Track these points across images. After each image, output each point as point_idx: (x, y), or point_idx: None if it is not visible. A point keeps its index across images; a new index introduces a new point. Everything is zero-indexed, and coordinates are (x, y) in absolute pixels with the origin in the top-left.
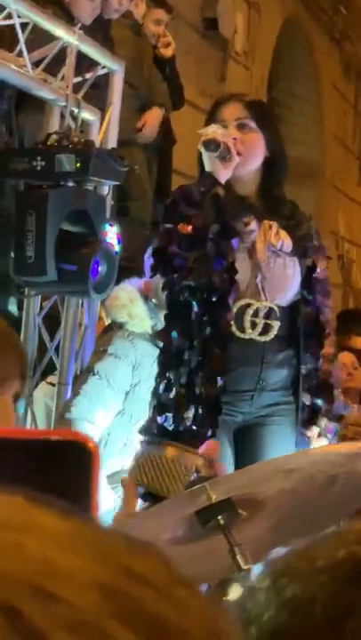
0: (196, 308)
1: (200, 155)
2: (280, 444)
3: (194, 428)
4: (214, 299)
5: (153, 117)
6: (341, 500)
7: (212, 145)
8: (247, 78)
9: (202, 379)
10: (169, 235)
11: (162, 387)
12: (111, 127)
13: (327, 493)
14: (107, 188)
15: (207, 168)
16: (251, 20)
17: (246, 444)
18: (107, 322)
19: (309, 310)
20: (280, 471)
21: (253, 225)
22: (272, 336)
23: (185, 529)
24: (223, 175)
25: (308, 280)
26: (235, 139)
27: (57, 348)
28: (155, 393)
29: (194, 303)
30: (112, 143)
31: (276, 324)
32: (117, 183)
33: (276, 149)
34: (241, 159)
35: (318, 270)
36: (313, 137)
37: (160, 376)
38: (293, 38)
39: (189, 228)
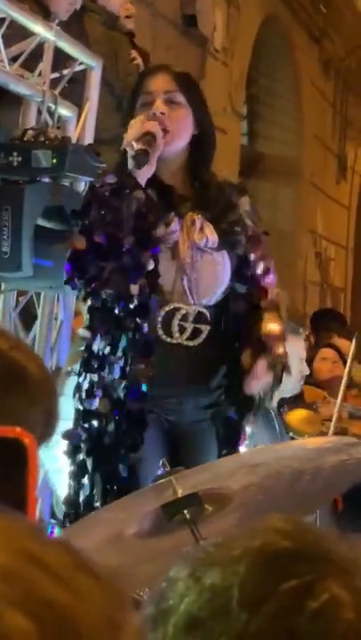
0: (116, 312)
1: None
2: (208, 450)
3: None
4: (132, 306)
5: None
6: (308, 494)
7: (142, 158)
8: (226, 75)
9: (126, 390)
10: (86, 239)
11: (84, 390)
12: (88, 123)
13: (293, 488)
14: (83, 185)
15: (129, 166)
16: (230, 17)
17: (181, 452)
18: (84, 318)
19: (239, 305)
20: (246, 466)
21: (175, 225)
22: (201, 340)
23: (151, 523)
24: (146, 174)
25: (240, 272)
26: (162, 113)
27: (32, 343)
28: (78, 395)
29: (115, 307)
30: (89, 139)
31: (205, 329)
32: (94, 179)
33: (204, 125)
34: (168, 137)
35: (252, 259)
36: (292, 135)
37: (82, 375)
38: (273, 36)
39: (104, 237)
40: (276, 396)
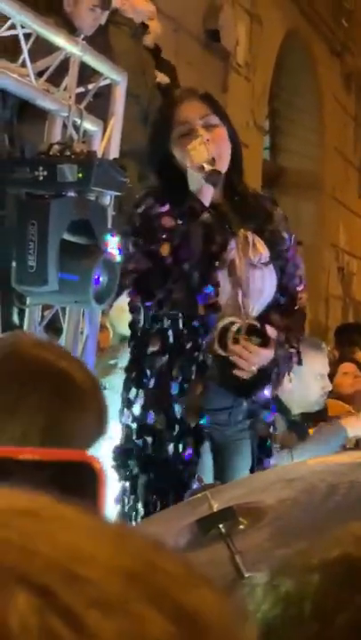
0: (171, 333)
1: (161, 163)
2: (246, 458)
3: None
4: (195, 324)
5: None
6: (343, 509)
7: (217, 177)
8: (249, 89)
9: (184, 405)
10: (152, 261)
11: (137, 408)
12: (113, 138)
13: (328, 503)
14: (108, 199)
15: (192, 188)
16: (252, 31)
17: (227, 462)
18: (110, 332)
19: (277, 317)
20: (281, 480)
21: (232, 243)
22: None
23: (186, 537)
24: (208, 197)
25: (280, 283)
26: (207, 140)
27: None
28: (130, 412)
29: (170, 331)
30: (114, 153)
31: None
32: (119, 194)
33: (235, 139)
34: (220, 162)
35: (290, 270)
36: (313, 149)
37: (132, 393)
38: (295, 50)
39: (171, 258)
40: (300, 411)
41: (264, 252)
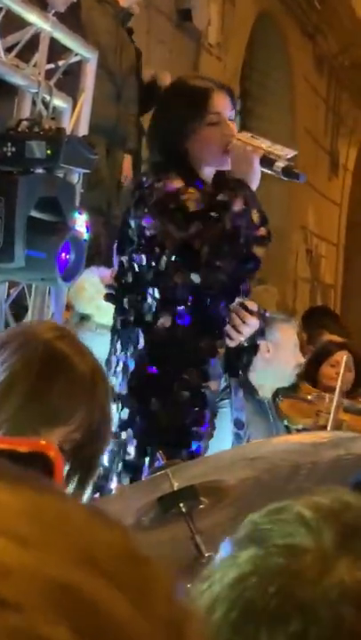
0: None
1: (180, 148)
2: (226, 427)
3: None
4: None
5: (128, 166)
6: (304, 489)
7: (295, 175)
8: (220, 69)
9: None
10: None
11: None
12: (83, 115)
13: (290, 483)
14: (76, 176)
15: (239, 175)
16: (225, 11)
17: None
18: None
19: None
20: (244, 459)
21: None
22: None
23: (147, 515)
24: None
25: None
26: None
27: None
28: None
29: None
30: (83, 131)
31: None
32: (88, 171)
33: None
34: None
35: None
36: (285, 130)
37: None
38: (267, 31)
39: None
40: (272, 387)
41: None
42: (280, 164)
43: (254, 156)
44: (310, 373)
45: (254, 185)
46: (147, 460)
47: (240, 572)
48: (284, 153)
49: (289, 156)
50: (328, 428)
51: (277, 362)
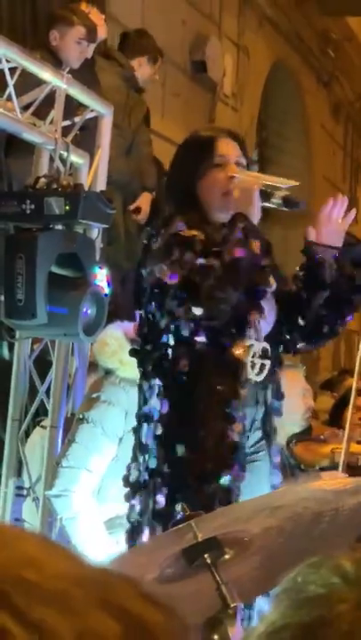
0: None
1: (186, 191)
2: (264, 482)
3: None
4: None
5: (145, 203)
6: (328, 536)
7: (295, 203)
8: (236, 120)
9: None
10: (199, 268)
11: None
12: (100, 170)
13: (313, 531)
14: (96, 231)
15: (243, 209)
16: (239, 62)
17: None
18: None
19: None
20: (266, 509)
21: None
22: (264, 375)
23: (172, 567)
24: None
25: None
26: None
27: (47, 391)
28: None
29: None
30: (101, 186)
31: (267, 363)
32: (106, 226)
33: None
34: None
35: None
36: (302, 178)
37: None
38: (282, 80)
39: (218, 262)
40: (285, 432)
41: (273, 282)
42: (280, 194)
43: (252, 189)
44: (334, 418)
45: (255, 218)
46: (178, 507)
47: (273, 626)
48: (282, 185)
49: (287, 187)
50: (341, 463)
51: (287, 409)
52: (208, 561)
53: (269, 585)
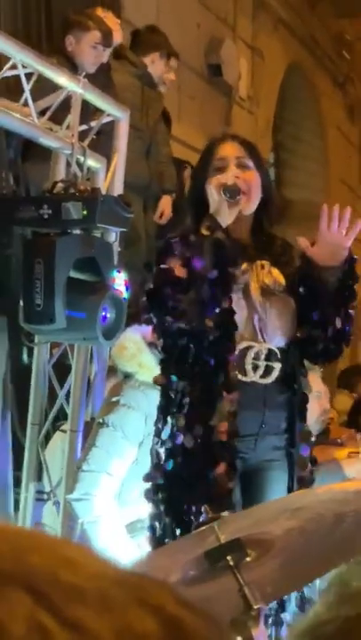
0: (193, 351)
1: (197, 197)
2: (278, 490)
3: (211, 475)
4: (211, 338)
5: (167, 206)
6: (350, 537)
7: (235, 193)
8: (252, 123)
9: (213, 422)
10: (163, 276)
11: (166, 432)
12: (117, 174)
13: (335, 532)
14: (114, 235)
15: (212, 210)
16: (254, 65)
17: (250, 491)
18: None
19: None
20: (288, 510)
21: (245, 265)
22: (273, 378)
23: (195, 569)
24: (228, 219)
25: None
26: (237, 177)
27: (67, 396)
28: (158, 439)
29: (191, 346)
30: (118, 190)
31: (277, 366)
32: (124, 230)
33: (268, 190)
34: (245, 198)
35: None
36: (318, 180)
37: (161, 421)
38: (297, 83)
39: (184, 271)
40: None
41: (280, 279)
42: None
43: (213, 187)
44: (353, 420)
45: (221, 218)
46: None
47: (318, 619)
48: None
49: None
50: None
51: None
52: (231, 563)
53: (291, 586)
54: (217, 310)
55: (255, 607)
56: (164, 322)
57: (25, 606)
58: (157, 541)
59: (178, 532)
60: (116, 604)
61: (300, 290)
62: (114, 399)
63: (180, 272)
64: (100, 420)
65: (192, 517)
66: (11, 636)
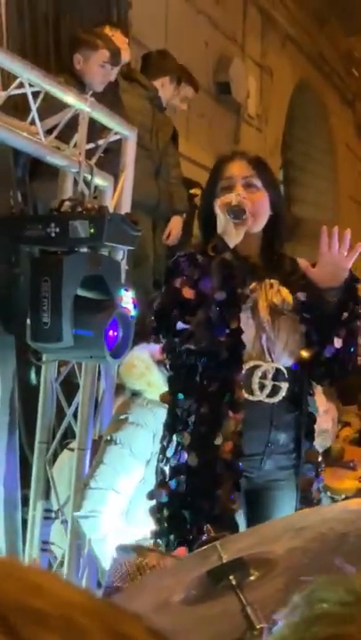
0: (200, 369)
1: (206, 217)
2: (285, 509)
3: (216, 491)
4: (221, 359)
5: (176, 226)
6: (353, 558)
7: (240, 213)
8: (261, 141)
9: (218, 442)
10: (171, 297)
11: (171, 450)
12: (125, 192)
13: (338, 551)
14: (121, 253)
15: (219, 231)
16: (263, 83)
17: (256, 510)
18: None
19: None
20: (291, 530)
21: (254, 284)
22: (280, 398)
23: (197, 589)
24: (235, 239)
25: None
26: (244, 197)
27: (74, 414)
28: (163, 456)
29: (198, 365)
30: (125, 208)
31: (284, 386)
32: (132, 248)
33: (279, 208)
34: (251, 219)
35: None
36: (328, 198)
37: (166, 439)
38: (306, 100)
39: (192, 292)
40: None
41: (288, 299)
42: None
43: (218, 207)
44: None
45: (228, 238)
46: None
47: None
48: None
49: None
50: None
51: None
52: (233, 582)
53: None
54: (225, 331)
55: (258, 627)
56: (173, 342)
57: None
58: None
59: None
60: (80, 631)
61: (302, 310)
62: (122, 417)
63: (187, 293)
64: (108, 437)
65: (195, 536)
66: None
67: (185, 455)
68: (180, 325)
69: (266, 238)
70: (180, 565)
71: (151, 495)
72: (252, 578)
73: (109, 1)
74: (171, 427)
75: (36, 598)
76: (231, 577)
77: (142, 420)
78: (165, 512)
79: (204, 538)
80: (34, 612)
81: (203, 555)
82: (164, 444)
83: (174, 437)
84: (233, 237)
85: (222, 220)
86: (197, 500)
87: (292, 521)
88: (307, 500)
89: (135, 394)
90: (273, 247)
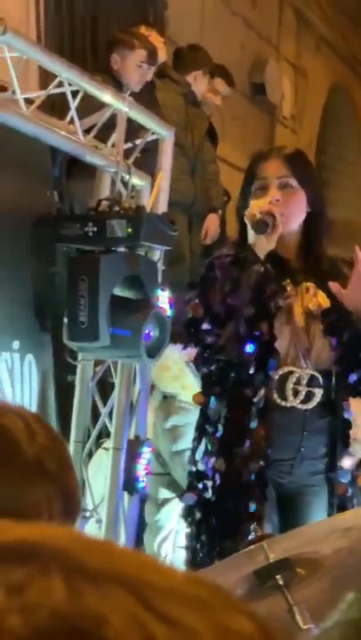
0: (232, 375)
1: (242, 218)
2: (318, 515)
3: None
4: (251, 371)
5: (213, 224)
6: None
7: (262, 227)
8: (295, 142)
9: (246, 448)
10: (201, 310)
11: (199, 453)
12: (161, 192)
13: None
14: (158, 253)
15: (250, 241)
16: (298, 84)
17: (289, 516)
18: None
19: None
20: (337, 530)
21: (290, 290)
22: (314, 404)
23: (244, 588)
24: (265, 249)
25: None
26: (277, 200)
27: (110, 413)
28: (193, 459)
29: (232, 374)
30: (162, 208)
31: (318, 392)
32: (169, 248)
33: (317, 205)
34: (284, 220)
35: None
36: None
37: (197, 440)
38: (340, 102)
39: (222, 306)
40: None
41: (324, 304)
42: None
43: (246, 217)
44: None
45: (259, 250)
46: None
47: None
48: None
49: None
50: None
51: None
52: (280, 582)
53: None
54: (254, 347)
55: (305, 628)
56: (204, 353)
57: (122, 600)
58: (194, 561)
59: (213, 553)
60: (210, 604)
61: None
62: (169, 426)
63: (217, 308)
64: (173, 451)
65: (225, 539)
66: (110, 627)
67: (213, 459)
68: (210, 340)
69: (305, 237)
70: (227, 564)
71: (182, 497)
72: (298, 578)
73: (145, 1)
74: (201, 428)
75: (157, 575)
76: (278, 577)
77: (177, 422)
78: (196, 515)
79: (251, 537)
80: (161, 587)
81: (249, 554)
82: (194, 444)
83: (203, 440)
84: (263, 248)
85: (251, 231)
86: (224, 504)
87: (340, 522)
88: (343, 505)
89: (167, 396)
90: (312, 247)
